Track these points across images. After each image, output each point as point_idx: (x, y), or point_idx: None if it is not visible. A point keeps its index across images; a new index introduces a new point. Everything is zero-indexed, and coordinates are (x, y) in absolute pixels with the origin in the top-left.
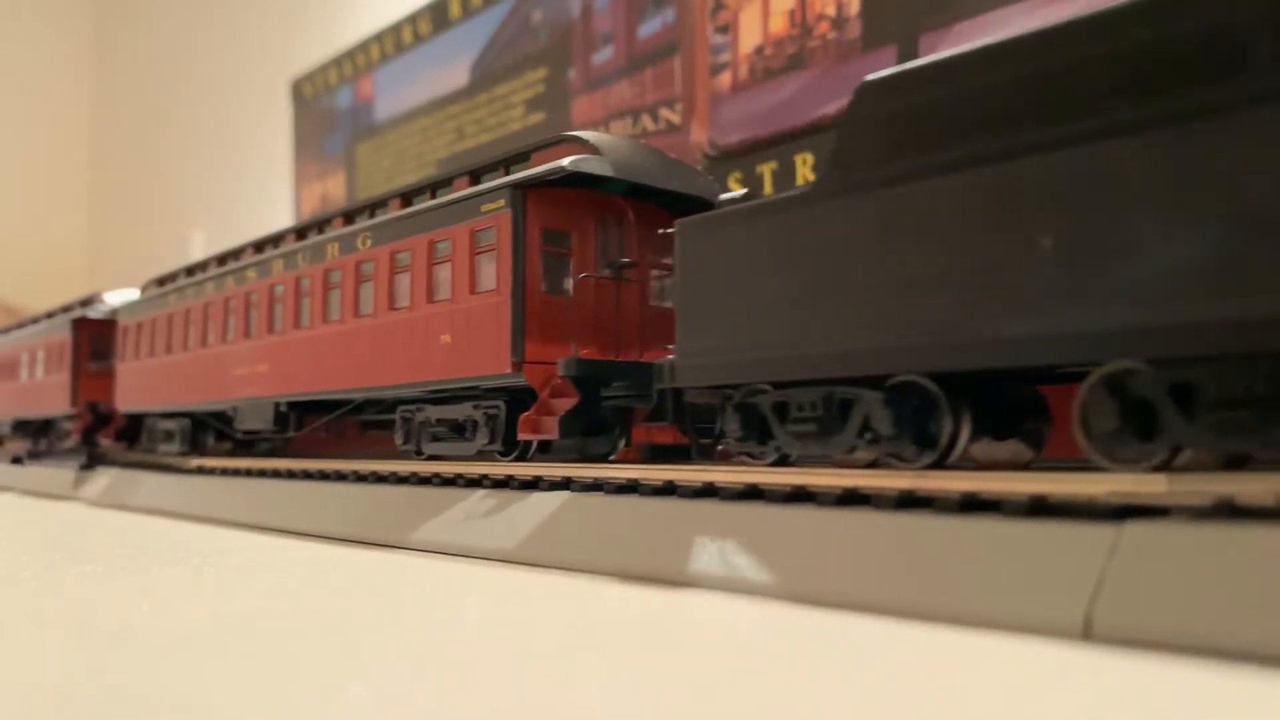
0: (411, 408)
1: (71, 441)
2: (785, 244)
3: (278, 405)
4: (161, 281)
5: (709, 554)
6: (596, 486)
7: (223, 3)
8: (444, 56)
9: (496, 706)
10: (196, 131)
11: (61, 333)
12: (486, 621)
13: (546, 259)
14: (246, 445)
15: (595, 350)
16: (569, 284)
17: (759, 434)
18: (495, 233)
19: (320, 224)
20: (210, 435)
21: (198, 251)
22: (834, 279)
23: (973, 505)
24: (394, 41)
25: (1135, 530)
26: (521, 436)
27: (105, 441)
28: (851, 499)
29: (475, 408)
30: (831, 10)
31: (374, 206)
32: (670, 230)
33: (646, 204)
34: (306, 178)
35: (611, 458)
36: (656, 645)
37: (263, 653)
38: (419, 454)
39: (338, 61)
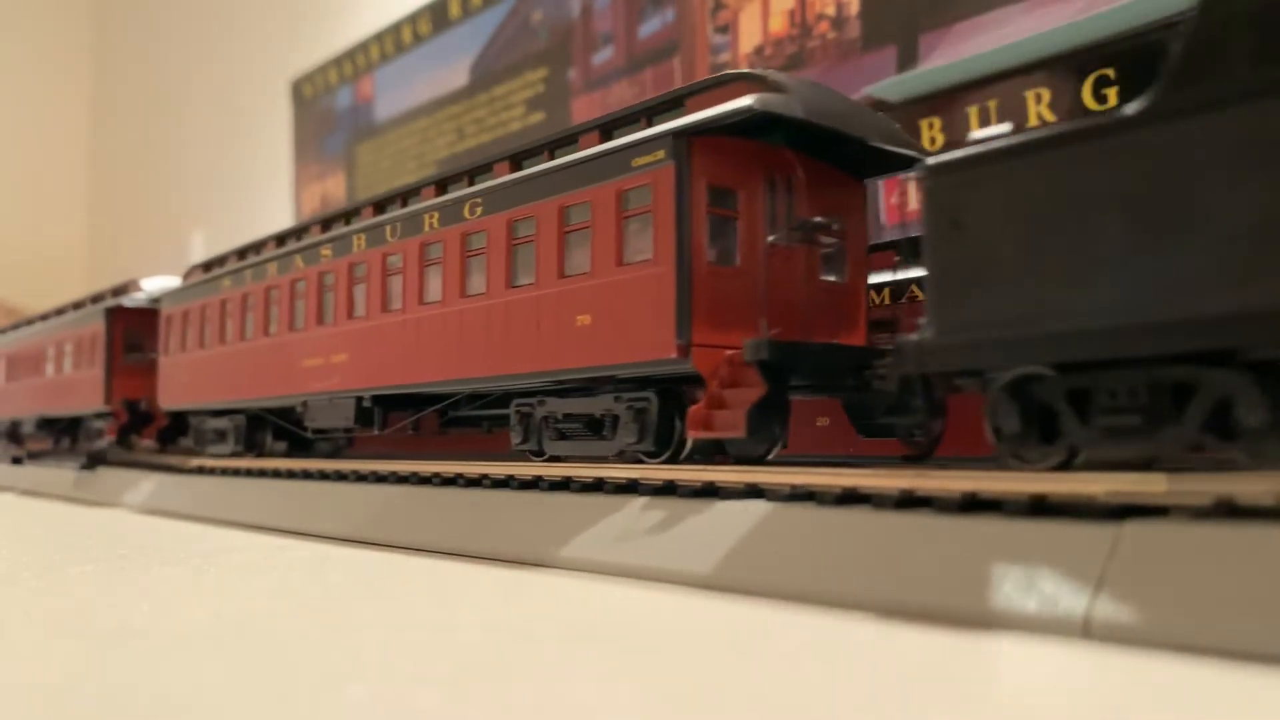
0: (530, 401)
1: (104, 442)
2: (1099, 182)
3: (360, 400)
4: (208, 266)
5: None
6: (596, 486)
7: (223, 3)
8: (444, 56)
9: (497, 706)
10: (196, 131)
11: (93, 324)
12: (486, 621)
13: (713, 223)
14: (303, 445)
15: (781, 331)
16: (736, 252)
17: (1040, 431)
18: (651, 191)
19: (404, 195)
20: (268, 434)
21: (198, 251)
22: (1178, 223)
23: (973, 505)
24: (394, 41)
25: (1135, 530)
26: (693, 435)
27: (146, 442)
28: (851, 498)
29: (617, 400)
30: (831, 10)
31: (472, 173)
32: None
33: (816, 159)
34: (306, 178)
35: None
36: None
37: (263, 653)
38: (537, 455)
39: (338, 61)
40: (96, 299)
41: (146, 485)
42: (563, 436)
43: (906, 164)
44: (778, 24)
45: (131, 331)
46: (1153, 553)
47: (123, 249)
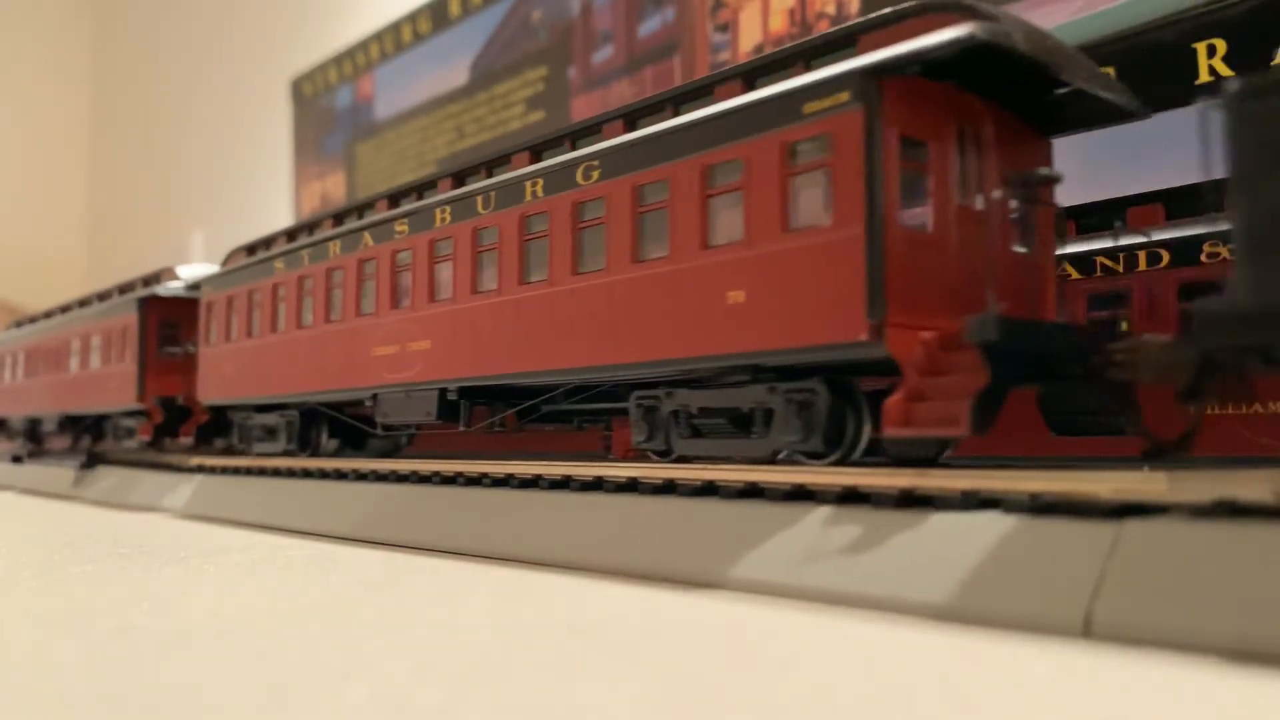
0: (653, 394)
1: (135, 442)
2: None
3: (444, 392)
4: (252, 249)
5: None
6: (596, 485)
7: (223, 3)
8: (444, 55)
9: (497, 706)
10: (196, 131)
11: (124, 315)
12: (488, 622)
13: (904, 179)
14: (357, 444)
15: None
16: (930, 215)
17: None
18: (831, 142)
19: (490, 164)
20: (323, 430)
21: (198, 252)
22: None
23: (973, 503)
24: (394, 40)
25: (1135, 529)
26: (893, 433)
27: (184, 441)
28: (851, 498)
29: (771, 391)
30: (831, 9)
31: (574, 136)
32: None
33: (1004, 109)
34: (306, 177)
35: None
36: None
37: (263, 652)
38: (662, 454)
39: (338, 60)
40: (125, 289)
41: (146, 485)
42: (697, 434)
43: (1111, 117)
44: (778, 23)
45: (166, 323)
46: (1153, 552)
47: (123, 249)
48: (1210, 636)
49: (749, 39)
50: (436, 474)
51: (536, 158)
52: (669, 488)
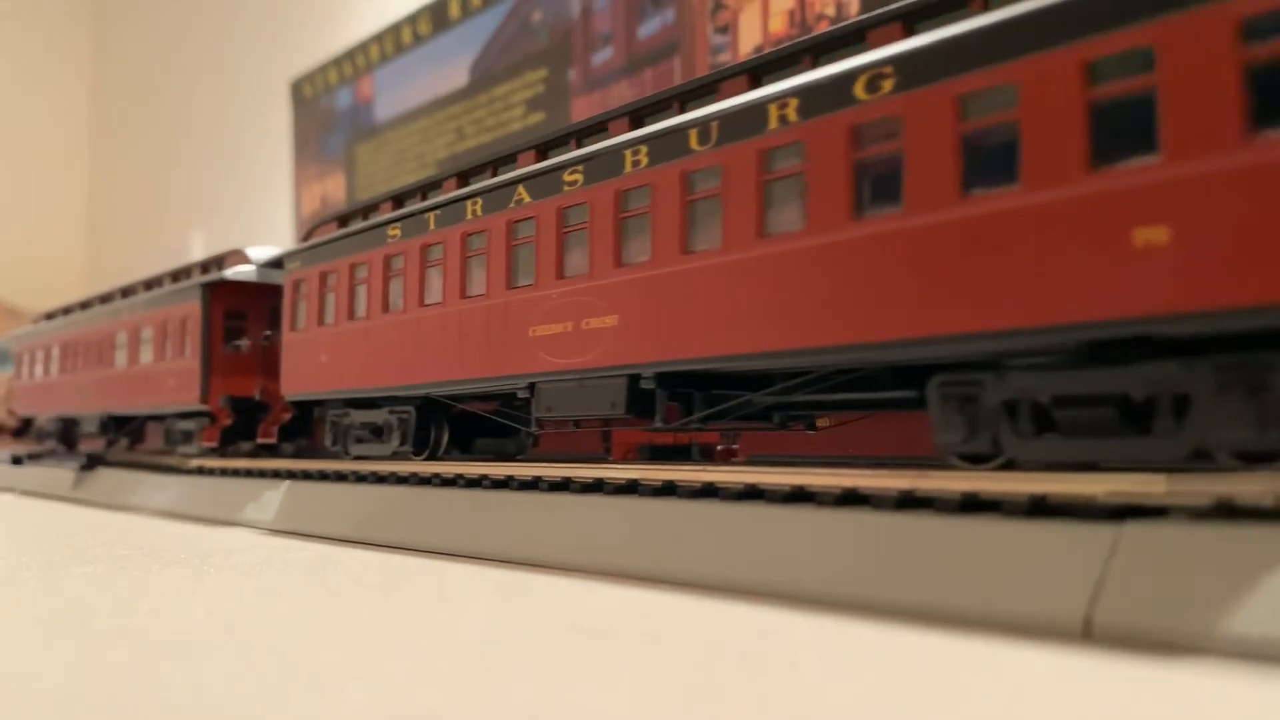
0: (969, 377)
1: (195, 447)
2: None
3: (635, 379)
4: (344, 219)
5: None
6: (596, 486)
7: (223, 3)
8: (444, 57)
9: (497, 706)
10: (196, 132)
11: (185, 302)
12: (486, 621)
13: None
14: (464, 445)
15: None
16: None
17: None
18: None
19: (695, 91)
20: (444, 428)
21: (198, 251)
22: None
23: (973, 505)
24: (394, 42)
25: (1135, 530)
26: None
27: (264, 442)
28: (851, 499)
29: (1189, 368)
30: (831, 10)
31: (831, 41)
32: None
33: None
34: (306, 178)
35: None
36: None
37: (263, 653)
38: (979, 462)
39: (337, 62)
40: (178, 275)
41: (146, 485)
42: (1045, 429)
43: None
44: (777, 24)
45: (233, 313)
46: (1152, 553)
47: (123, 249)
48: (1210, 638)
49: (749, 40)
50: (436, 476)
51: (757, 77)
52: (669, 489)
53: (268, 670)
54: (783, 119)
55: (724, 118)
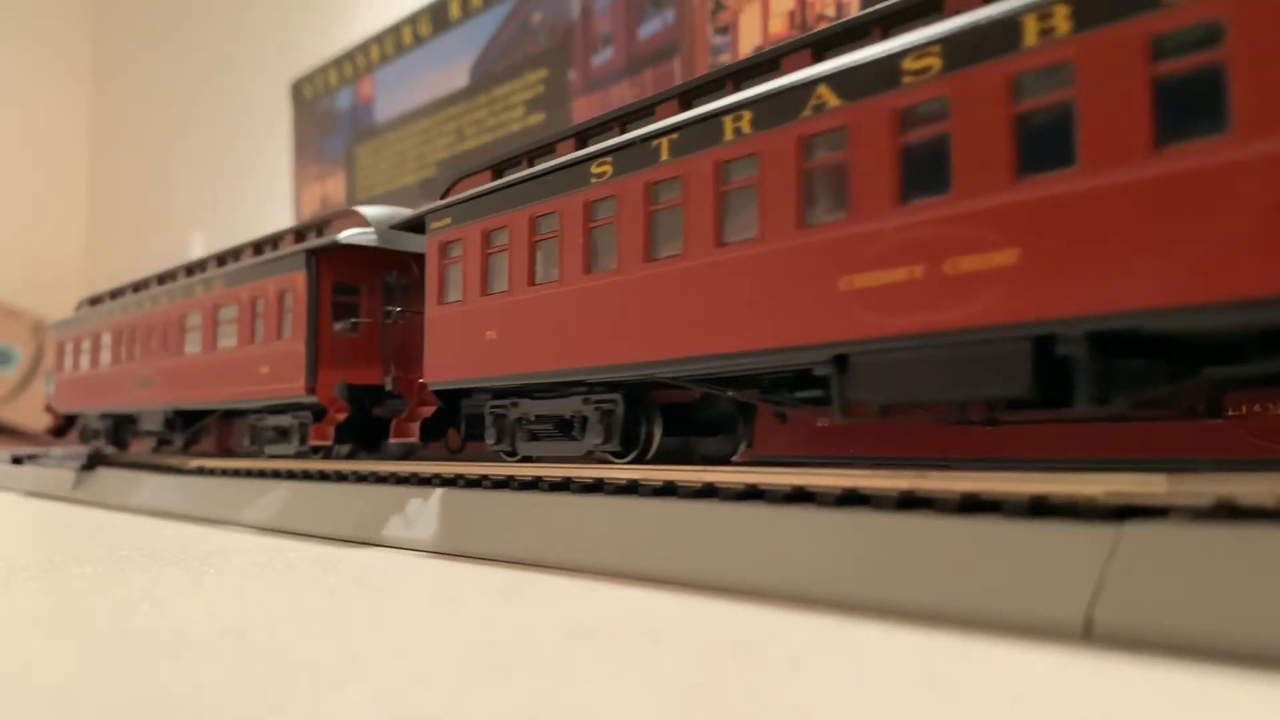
0: None
1: (290, 447)
2: None
3: (1047, 343)
4: (497, 168)
5: None
6: (596, 487)
7: (223, 3)
8: (444, 57)
9: (497, 706)
10: (196, 132)
11: (284, 274)
12: (487, 622)
13: None
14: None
15: None
16: None
17: None
18: None
19: None
20: (655, 422)
21: (198, 251)
22: None
23: (973, 505)
24: (394, 42)
25: (1135, 530)
26: None
27: (401, 442)
28: (851, 499)
29: None
30: (831, 11)
31: None
32: None
33: None
34: (306, 178)
35: None
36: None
37: (263, 653)
38: None
39: (338, 63)
40: (261, 247)
41: (146, 485)
42: None
43: None
44: (778, 25)
45: (342, 286)
46: (1153, 553)
47: (123, 249)
48: (1211, 639)
49: (749, 41)
50: (437, 476)
51: None
52: (669, 489)
53: (268, 670)
54: None
55: None
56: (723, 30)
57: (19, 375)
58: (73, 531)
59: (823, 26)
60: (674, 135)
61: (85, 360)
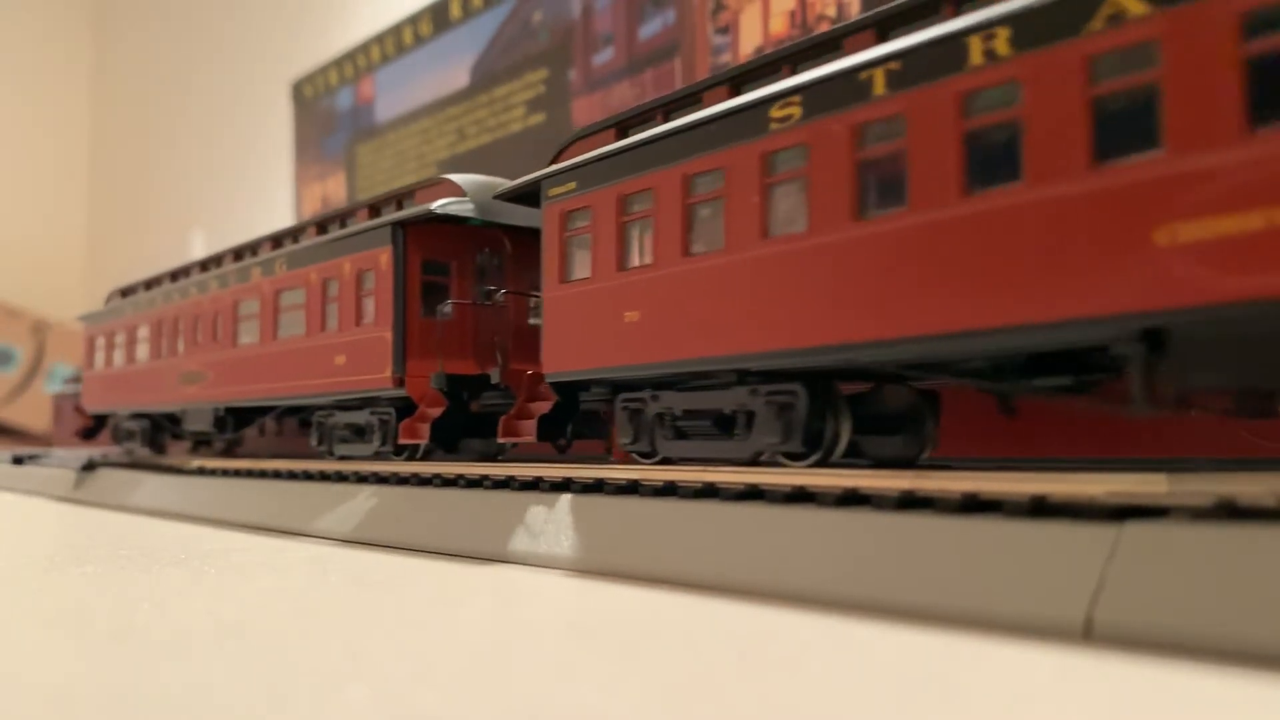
0: None
1: (370, 448)
2: None
3: None
4: (622, 126)
5: None
6: (597, 487)
7: (223, 4)
8: (444, 57)
9: (497, 706)
10: (197, 132)
11: (364, 251)
12: (487, 622)
13: None
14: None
15: None
16: None
17: None
18: None
19: None
20: (844, 418)
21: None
22: None
23: (973, 505)
24: (394, 42)
25: (1135, 530)
26: None
27: (512, 440)
28: (851, 499)
29: None
30: (832, 11)
31: None
32: None
33: None
34: (307, 178)
35: None
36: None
37: (263, 653)
38: None
39: (338, 62)
40: (324, 225)
41: (146, 485)
42: None
43: None
44: (778, 25)
45: (432, 264)
46: (1153, 553)
47: (123, 249)
48: (1211, 639)
49: (749, 41)
50: (437, 476)
51: None
52: (669, 489)
53: (268, 670)
54: None
55: None
56: (723, 30)
57: (19, 375)
58: (73, 531)
59: (823, 28)
60: (894, 64)
61: (119, 355)
